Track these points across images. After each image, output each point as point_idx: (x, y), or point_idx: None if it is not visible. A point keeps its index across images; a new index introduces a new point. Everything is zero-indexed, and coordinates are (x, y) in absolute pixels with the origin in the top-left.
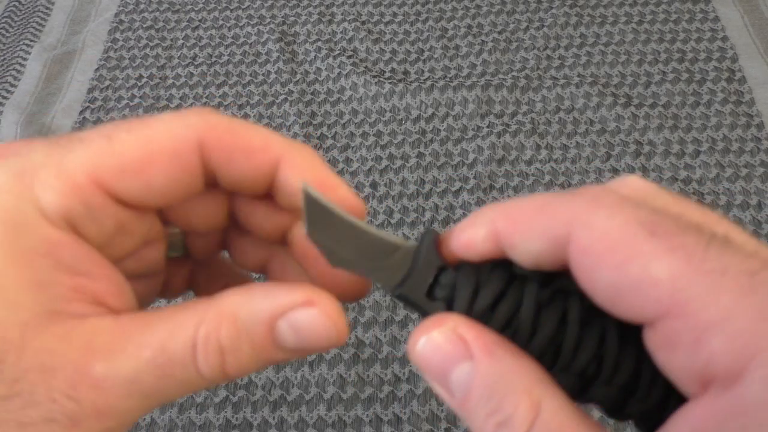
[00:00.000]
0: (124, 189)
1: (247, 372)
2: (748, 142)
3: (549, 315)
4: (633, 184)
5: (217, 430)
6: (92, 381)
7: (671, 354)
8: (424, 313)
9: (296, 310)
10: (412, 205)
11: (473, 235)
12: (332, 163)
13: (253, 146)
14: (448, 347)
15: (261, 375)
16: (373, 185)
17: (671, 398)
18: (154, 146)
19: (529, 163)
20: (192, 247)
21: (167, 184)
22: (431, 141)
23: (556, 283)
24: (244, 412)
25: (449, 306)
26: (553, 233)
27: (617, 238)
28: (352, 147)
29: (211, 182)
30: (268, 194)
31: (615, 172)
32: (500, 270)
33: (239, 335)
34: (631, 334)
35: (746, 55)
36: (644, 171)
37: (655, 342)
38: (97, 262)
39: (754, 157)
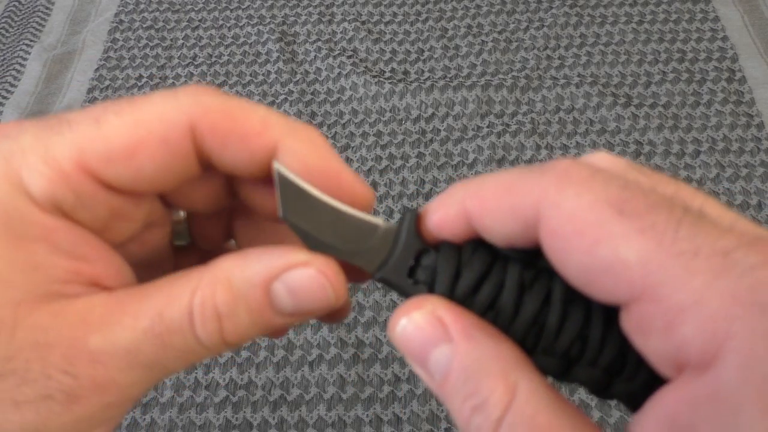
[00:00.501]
0: (113, 175)
1: (246, 338)
2: (748, 142)
3: (532, 296)
4: (603, 159)
5: (217, 430)
6: (89, 355)
7: (645, 337)
8: (407, 296)
9: (291, 271)
10: (412, 205)
11: (444, 216)
12: None
13: (249, 129)
14: (427, 329)
15: (261, 375)
16: (373, 185)
17: (657, 378)
18: (143, 131)
19: (529, 163)
20: (197, 234)
21: (158, 170)
22: (431, 141)
23: (540, 263)
24: (244, 412)
25: (431, 288)
26: (523, 214)
27: (586, 220)
28: (352, 147)
29: (208, 164)
30: (269, 176)
31: None
32: (482, 251)
33: (235, 300)
34: (615, 313)
35: (746, 55)
36: None
37: (629, 325)
38: (94, 245)
39: (754, 157)
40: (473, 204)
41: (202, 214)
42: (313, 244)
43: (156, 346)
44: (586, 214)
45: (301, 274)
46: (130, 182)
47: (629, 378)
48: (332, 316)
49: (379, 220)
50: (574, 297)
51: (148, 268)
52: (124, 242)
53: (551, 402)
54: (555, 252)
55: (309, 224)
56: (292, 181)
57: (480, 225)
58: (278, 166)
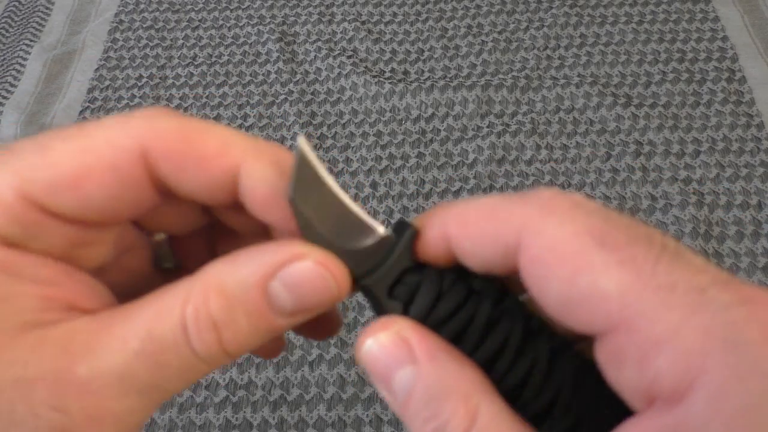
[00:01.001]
0: (59, 205)
1: (248, 346)
2: (748, 142)
3: (494, 337)
4: (581, 198)
5: (217, 430)
6: (78, 386)
7: (619, 369)
8: (380, 310)
9: (287, 266)
10: (412, 205)
11: (432, 238)
12: (332, 163)
13: (207, 152)
14: (392, 350)
15: (261, 375)
16: (373, 185)
17: (609, 415)
18: (91, 158)
19: (529, 163)
20: (183, 256)
21: (108, 199)
22: (431, 141)
23: (506, 303)
24: (244, 412)
25: (406, 308)
26: (504, 240)
27: (567, 249)
28: (352, 147)
29: (168, 191)
30: (236, 201)
31: (615, 172)
32: (461, 281)
33: (231, 305)
34: (565, 354)
35: (746, 55)
36: (644, 171)
37: (604, 355)
38: (61, 269)
39: (754, 157)
40: (455, 228)
41: (181, 236)
42: (311, 235)
43: (150, 368)
44: (568, 244)
45: (298, 268)
46: (79, 212)
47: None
48: (323, 330)
49: (379, 226)
50: (530, 340)
51: (134, 294)
52: (98, 267)
53: (513, 426)
54: (534, 279)
55: (313, 213)
56: (311, 164)
57: (460, 249)
58: (302, 143)
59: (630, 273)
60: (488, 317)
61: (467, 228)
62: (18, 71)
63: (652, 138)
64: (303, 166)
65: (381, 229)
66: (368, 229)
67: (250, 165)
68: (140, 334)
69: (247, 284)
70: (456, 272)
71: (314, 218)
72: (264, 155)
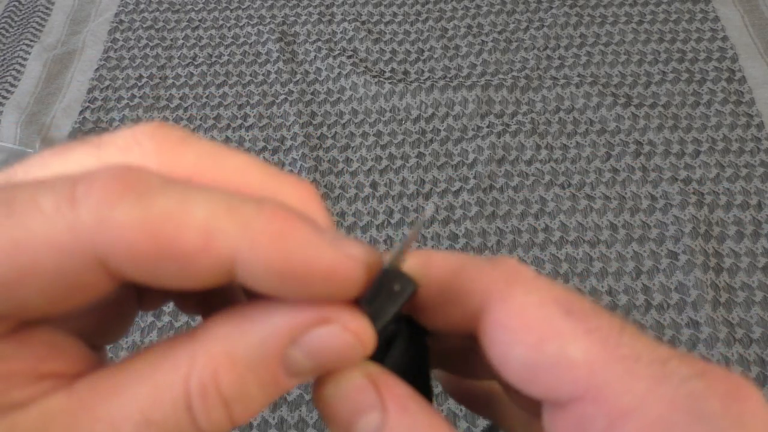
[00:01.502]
0: None
1: (258, 412)
2: (748, 142)
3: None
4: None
5: None
6: None
7: None
8: None
9: (309, 331)
10: (412, 205)
11: (422, 298)
12: (332, 163)
13: (184, 250)
14: (358, 394)
15: None
16: (373, 185)
17: None
18: (23, 260)
19: (529, 163)
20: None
21: (53, 301)
22: (431, 141)
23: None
24: None
25: (381, 357)
26: (466, 302)
27: (534, 316)
28: (352, 147)
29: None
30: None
31: (615, 172)
32: (423, 342)
33: (243, 379)
34: None
35: (746, 55)
36: (644, 171)
37: (564, 423)
38: (13, 336)
39: (754, 157)
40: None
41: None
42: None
43: None
44: (535, 311)
45: (323, 334)
46: (18, 313)
47: None
48: None
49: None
50: None
51: (120, 323)
52: (68, 318)
53: None
54: (497, 344)
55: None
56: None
57: (421, 306)
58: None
59: (597, 342)
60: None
61: (431, 287)
62: (18, 71)
63: (652, 138)
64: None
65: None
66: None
67: (246, 260)
68: (134, 417)
69: (263, 353)
70: (417, 328)
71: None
72: (262, 240)
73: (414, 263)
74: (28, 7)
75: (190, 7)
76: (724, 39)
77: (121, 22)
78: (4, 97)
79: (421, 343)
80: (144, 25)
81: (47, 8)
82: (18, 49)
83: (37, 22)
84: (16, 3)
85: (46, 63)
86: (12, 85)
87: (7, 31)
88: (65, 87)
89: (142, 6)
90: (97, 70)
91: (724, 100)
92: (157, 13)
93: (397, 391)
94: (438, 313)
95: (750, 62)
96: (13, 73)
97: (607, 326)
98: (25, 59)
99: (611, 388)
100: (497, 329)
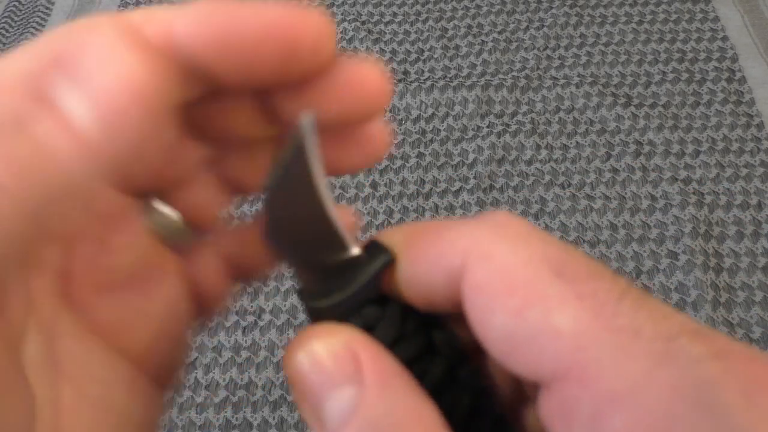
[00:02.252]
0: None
1: None
2: (748, 142)
3: (446, 401)
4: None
5: (217, 430)
6: None
7: (566, 425)
8: None
9: None
10: (412, 205)
11: (402, 270)
12: None
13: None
14: (335, 363)
15: (261, 375)
16: (373, 185)
17: None
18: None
19: (529, 163)
20: (189, 211)
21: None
22: (431, 141)
23: (462, 370)
24: (244, 412)
25: None
26: (447, 263)
27: (518, 276)
28: None
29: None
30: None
31: (615, 172)
32: (421, 333)
33: None
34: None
35: (746, 55)
36: (644, 171)
37: (548, 409)
38: None
39: (754, 157)
40: (400, 254)
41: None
42: (275, 233)
43: None
44: (520, 271)
45: None
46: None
47: None
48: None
49: (354, 244)
50: (475, 416)
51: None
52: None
53: None
54: (477, 311)
55: (287, 210)
56: (308, 154)
57: (403, 278)
58: (306, 125)
59: (588, 309)
60: (436, 382)
61: (411, 251)
62: None
63: (652, 138)
64: (298, 153)
65: (355, 249)
66: (341, 244)
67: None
68: None
69: None
70: (418, 317)
71: (285, 217)
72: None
73: (395, 236)
74: (28, 7)
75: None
76: (724, 39)
77: None
78: None
79: (426, 338)
80: None
81: (47, 8)
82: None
83: (37, 22)
84: (16, 3)
85: None
86: None
87: (7, 31)
88: None
89: (142, 6)
90: None
91: (724, 100)
92: None
93: (381, 364)
94: (422, 282)
95: (750, 62)
96: None
97: (605, 291)
98: None
99: (601, 367)
100: (475, 292)
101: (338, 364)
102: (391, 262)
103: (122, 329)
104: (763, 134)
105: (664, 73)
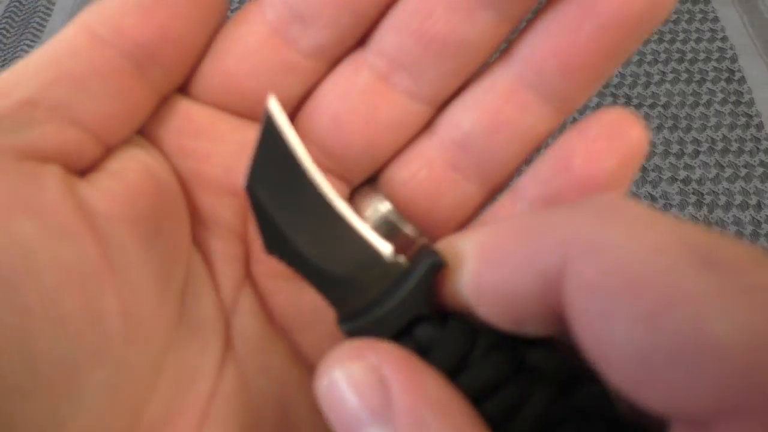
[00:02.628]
0: None
1: None
2: (748, 142)
3: None
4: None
5: None
6: None
7: None
8: None
9: None
10: None
11: (460, 276)
12: None
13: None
14: (355, 396)
15: None
16: None
17: None
18: None
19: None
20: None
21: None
22: None
23: (580, 395)
24: None
25: None
26: (538, 263)
27: (645, 268)
28: None
29: None
30: None
31: None
32: (503, 353)
33: None
34: None
35: (746, 55)
36: (643, 171)
37: None
38: None
39: (753, 157)
40: (475, 258)
41: None
42: (275, 242)
43: None
44: (647, 262)
45: None
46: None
47: None
48: None
49: (385, 246)
50: None
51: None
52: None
53: None
54: (589, 322)
55: (283, 212)
56: (283, 137)
57: (478, 286)
58: (271, 106)
59: (763, 311)
60: (545, 414)
61: (486, 252)
62: None
63: (652, 138)
64: (271, 138)
65: (387, 251)
66: (368, 250)
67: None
68: None
69: None
70: (493, 336)
71: (283, 220)
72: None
73: (467, 239)
74: (29, 8)
75: None
76: (724, 39)
77: None
78: None
79: (513, 359)
80: None
81: (48, 9)
82: (19, 49)
83: (37, 23)
84: (17, 3)
85: None
86: None
87: (8, 31)
88: None
89: None
90: None
91: (724, 101)
92: None
93: (419, 396)
94: (506, 296)
95: (749, 62)
96: None
97: None
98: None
99: None
100: (586, 297)
101: (362, 397)
102: (439, 266)
103: (299, 325)
104: (762, 134)
105: (663, 73)
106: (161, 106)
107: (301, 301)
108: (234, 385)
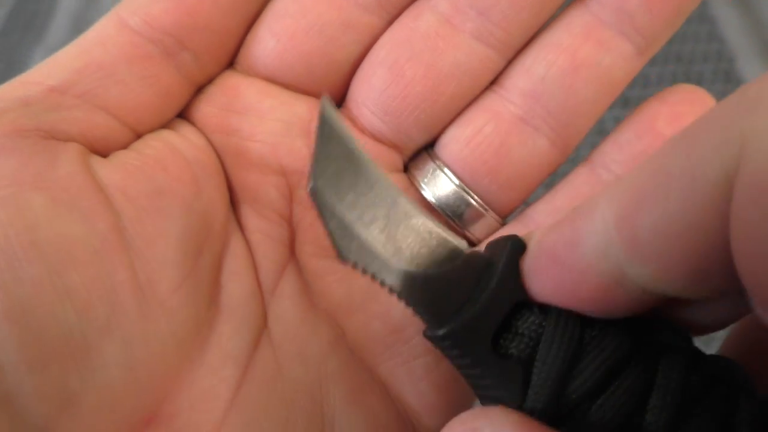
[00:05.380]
0: None
1: None
2: None
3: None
4: None
5: None
6: None
7: None
8: (481, 374)
9: None
10: None
11: (540, 259)
12: None
13: None
14: None
15: None
16: None
17: None
18: None
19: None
20: None
21: None
22: None
23: (721, 365)
24: None
25: (527, 373)
26: (711, 170)
27: None
28: None
29: None
30: None
31: None
32: (619, 331)
33: None
34: None
35: (743, 57)
36: None
37: None
38: None
39: None
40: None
41: None
42: (345, 244)
43: None
44: None
45: None
46: None
47: None
48: None
49: (460, 240)
50: None
51: None
52: None
53: None
54: (758, 236)
55: (354, 211)
56: (343, 138)
57: (639, 242)
58: (325, 106)
59: None
60: (680, 392)
61: (638, 193)
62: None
63: None
64: (328, 139)
65: (463, 244)
66: (443, 243)
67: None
68: None
69: None
70: (600, 319)
71: (352, 221)
72: None
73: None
74: (32, 10)
75: None
76: (721, 41)
77: None
78: None
79: (628, 340)
80: None
81: (51, 10)
82: (21, 50)
83: (40, 24)
84: (20, 5)
85: None
86: None
87: (11, 32)
88: None
89: None
90: None
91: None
92: None
93: None
94: (648, 245)
95: (747, 64)
96: (18, 72)
97: None
98: (29, 61)
99: None
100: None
101: None
102: (522, 247)
103: (348, 307)
104: None
105: (661, 74)
106: (209, 84)
107: (353, 281)
108: (267, 372)
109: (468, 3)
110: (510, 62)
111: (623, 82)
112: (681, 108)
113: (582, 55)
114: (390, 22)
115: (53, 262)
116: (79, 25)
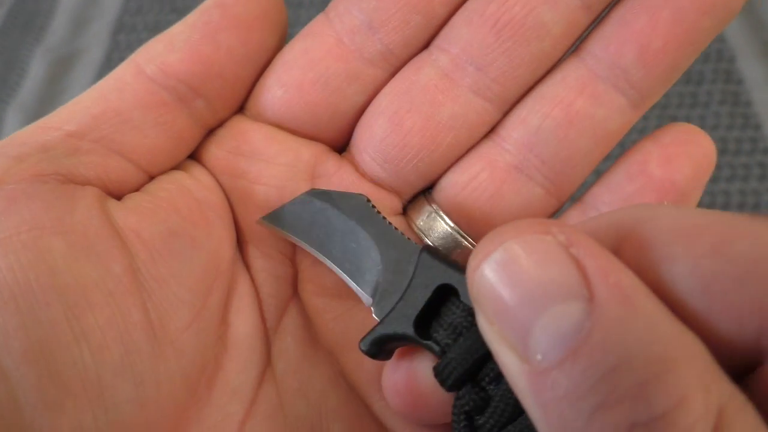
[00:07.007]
0: None
1: None
2: (746, 142)
3: None
4: None
5: None
6: None
7: None
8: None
9: None
10: None
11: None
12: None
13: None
14: (542, 272)
15: None
16: None
17: None
18: None
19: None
20: None
21: None
22: None
23: None
24: None
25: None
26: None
27: (699, 221)
28: None
29: None
30: None
31: None
32: None
33: None
34: None
35: (744, 56)
36: None
37: None
38: None
39: (751, 157)
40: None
41: None
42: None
43: None
44: (700, 217)
45: None
46: None
47: None
48: None
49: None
50: None
51: None
52: None
53: None
54: (655, 265)
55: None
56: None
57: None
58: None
59: None
60: None
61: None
62: (20, 75)
63: None
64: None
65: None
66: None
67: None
68: None
69: None
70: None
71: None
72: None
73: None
74: (32, 9)
75: (192, 9)
76: (722, 40)
77: (124, 24)
78: (9, 96)
79: None
80: (147, 27)
81: (50, 10)
82: (21, 50)
83: (40, 24)
84: (19, 4)
85: (50, 64)
86: (17, 84)
87: (11, 31)
88: (69, 88)
89: (145, 8)
90: (100, 71)
91: (722, 101)
92: (160, 16)
93: (616, 272)
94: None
95: (748, 63)
96: (18, 72)
97: None
98: (28, 61)
99: None
100: (649, 248)
101: (552, 271)
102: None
103: (345, 345)
104: (760, 135)
105: None
106: (219, 127)
107: (350, 319)
108: (270, 407)
109: (467, 59)
110: (506, 113)
111: (618, 134)
112: (673, 149)
113: (576, 108)
114: (393, 74)
115: (71, 305)
116: (79, 25)
